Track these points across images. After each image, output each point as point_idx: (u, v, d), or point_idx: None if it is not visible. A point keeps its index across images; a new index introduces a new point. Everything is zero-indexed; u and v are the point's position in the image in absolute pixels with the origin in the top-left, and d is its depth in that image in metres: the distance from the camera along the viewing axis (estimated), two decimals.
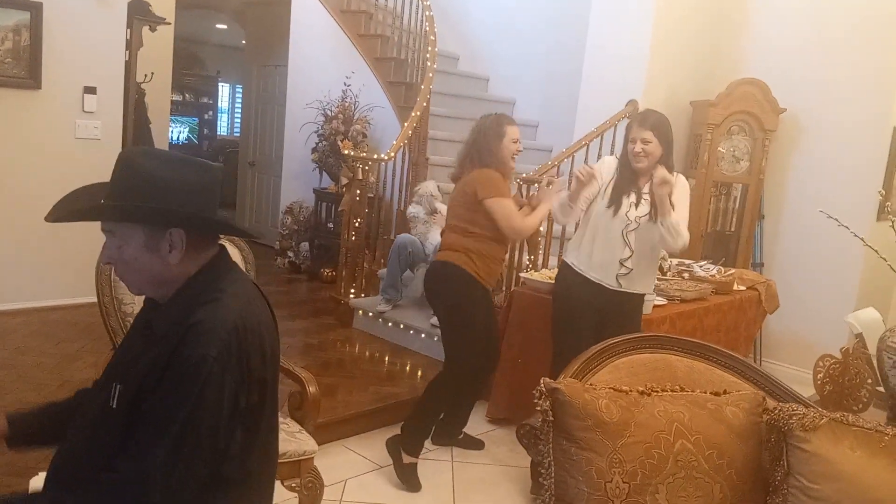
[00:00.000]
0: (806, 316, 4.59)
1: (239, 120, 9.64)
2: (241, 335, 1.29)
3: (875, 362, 2.08)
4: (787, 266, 4.81)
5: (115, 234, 1.33)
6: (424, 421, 3.10)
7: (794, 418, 1.68)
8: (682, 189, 2.93)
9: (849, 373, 1.99)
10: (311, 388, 2.43)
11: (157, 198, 1.28)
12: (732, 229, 5.05)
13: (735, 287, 3.92)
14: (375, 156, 4.85)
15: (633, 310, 3.02)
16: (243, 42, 9.02)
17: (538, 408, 1.72)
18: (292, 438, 2.32)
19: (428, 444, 3.28)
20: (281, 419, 2.38)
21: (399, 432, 3.10)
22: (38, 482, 1.73)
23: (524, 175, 4.11)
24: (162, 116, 6.28)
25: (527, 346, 3.50)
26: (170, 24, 5.66)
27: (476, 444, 3.42)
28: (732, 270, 4.16)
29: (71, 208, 1.36)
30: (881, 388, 2.03)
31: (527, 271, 3.94)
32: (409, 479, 2.99)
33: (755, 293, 4.03)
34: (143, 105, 5.70)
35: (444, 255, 3.05)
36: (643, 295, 3.05)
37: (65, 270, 4.35)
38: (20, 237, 4.26)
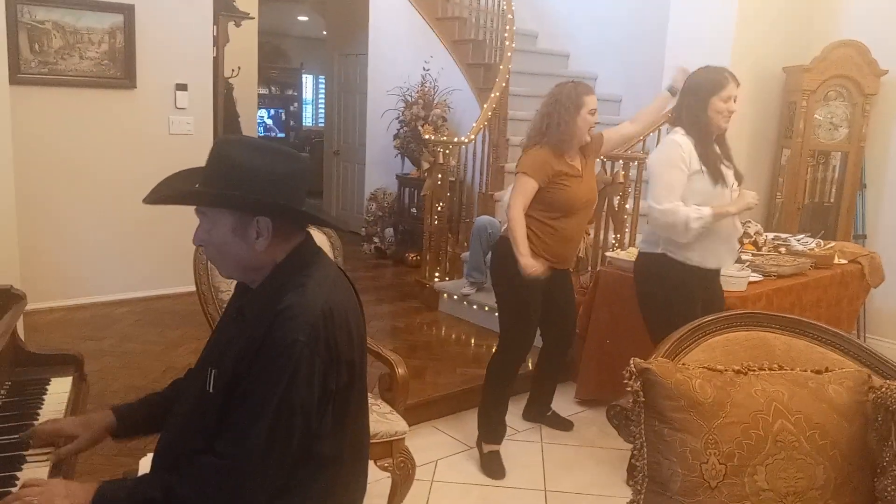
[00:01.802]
0: None
1: (323, 110, 9.85)
2: (327, 319, 1.33)
3: None
4: (892, 237, 4.53)
5: (207, 217, 1.39)
6: (489, 405, 3.08)
7: None
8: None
9: None
10: (400, 370, 2.48)
11: (247, 186, 1.33)
12: (832, 200, 4.79)
13: (836, 261, 3.73)
14: (456, 139, 4.86)
15: (719, 286, 2.95)
16: (324, 33, 9.19)
17: (628, 388, 1.69)
18: (383, 419, 2.37)
19: (519, 423, 3.29)
20: (372, 400, 2.45)
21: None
22: (146, 462, 1.84)
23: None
24: (250, 109, 6.49)
25: (614, 325, 3.44)
26: (253, 18, 5.83)
27: (565, 424, 3.40)
28: (833, 243, 3.96)
29: (166, 193, 1.43)
30: None
31: (613, 250, 3.87)
32: (489, 467, 3.00)
33: (857, 266, 3.82)
34: (231, 99, 5.90)
35: (504, 231, 3.03)
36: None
37: (166, 261, 4.57)
38: (123, 231, 4.51)
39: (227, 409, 1.33)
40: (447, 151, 4.72)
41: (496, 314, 4.26)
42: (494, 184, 5.07)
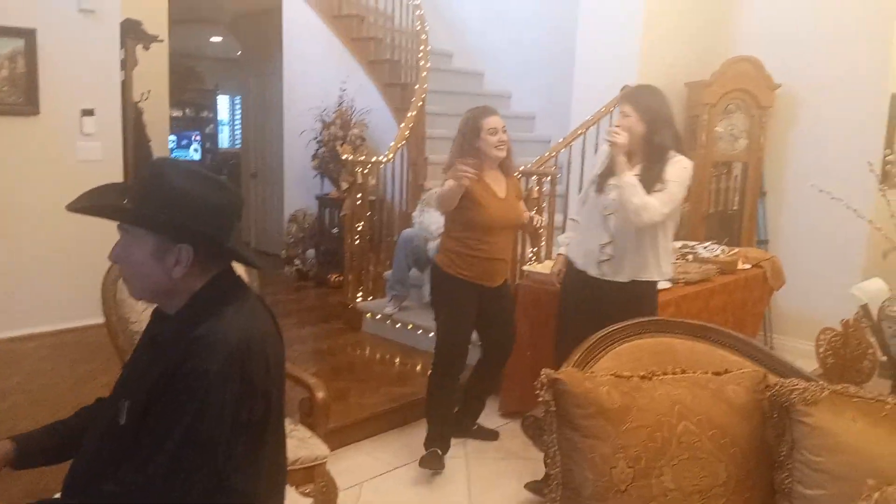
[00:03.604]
0: (813, 290, 4.57)
1: (240, 131, 9.70)
2: (243, 350, 1.31)
3: (878, 332, 2.10)
4: (791, 241, 4.79)
5: (129, 235, 1.36)
6: (429, 415, 3.18)
7: (795, 393, 1.69)
8: (677, 168, 2.71)
9: (850, 344, 2.00)
10: (320, 394, 2.46)
11: (177, 211, 1.31)
12: (735, 208, 5.04)
13: (739, 266, 3.92)
14: (374, 158, 4.88)
15: (630, 300, 2.74)
16: (239, 53, 9.07)
17: (540, 399, 1.74)
18: (303, 445, 2.34)
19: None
20: (292, 426, 2.42)
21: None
22: None
23: (522, 167, 4.12)
24: (162, 133, 6.32)
25: (535, 338, 3.51)
26: (163, 41, 5.70)
27: (490, 434, 3.44)
28: (737, 249, 4.15)
29: (92, 204, 1.39)
30: (884, 358, 2.04)
31: (530, 264, 3.95)
32: (429, 462, 3.07)
33: (760, 271, 4.02)
34: (141, 124, 5.74)
35: (437, 255, 3.19)
36: (646, 283, 2.83)
37: (74, 292, 4.38)
38: (28, 262, 4.30)
39: (139, 438, 1.30)
40: (366, 171, 4.73)
41: (419, 332, 4.32)
42: (414, 202, 5.11)
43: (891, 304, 2.11)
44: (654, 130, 2.69)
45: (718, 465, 1.68)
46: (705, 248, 4.02)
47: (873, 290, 2.58)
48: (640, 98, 2.74)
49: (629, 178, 2.65)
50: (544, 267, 3.66)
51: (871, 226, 2.63)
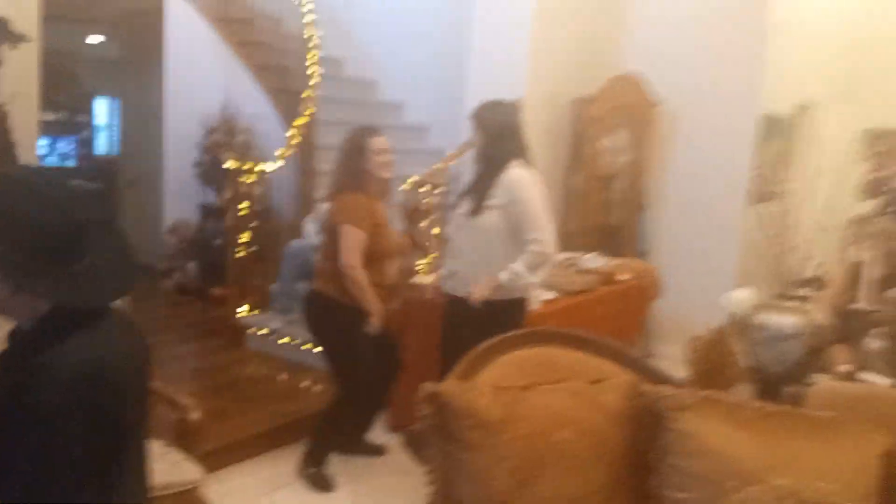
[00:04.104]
0: (690, 299, 4.78)
1: (119, 137, 9.21)
2: (89, 377, 1.20)
3: (743, 339, 2.21)
4: (670, 253, 5.01)
5: None
6: (324, 444, 3.10)
7: (666, 399, 1.74)
8: (515, 185, 2.74)
9: (718, 351, 2.10)
10: (194, 415, 2.34)
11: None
12: (618, 221, 5.22)
13: (620, 276, 4.05)
14: (261, 167, 4.73)
15: (486, 318, 2.72)
16: (119, 55, 8.63)
17: (420, 413, 1.71)
18: (175, 469, 2.22)
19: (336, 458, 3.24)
20: (163, 449, 2.29)
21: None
22: None
23: (414, 178, 4.12)
24: (30, 138, 5.90)
25: (422, 351, 3.48)
26: (31, 41, 5.32)
27: (377, 450, 3.38)
28: (618, 260, 4.30)
29: None
30: (749, 364, 2.15)
31: (418, 277, 3.94)
32: (319, 482, 3.02)
33: (639, 281, 4.18)
34: (5, 127, 5.33)
35: (315, 283, 3.05)
36: (510, 301, 2.81)
37: None
38: None
39: None
40: (252, 180, 4.58)
41: (304, 347, 4.20)
42: (304, 212, 4.99)
43: (755, 313, 2.22)
44: (491, 143, 2.83)
45: (594, 472, 1.71)
46: (589, 259, 4.13)
47: (741, 299, 2.72)
48: (480, 114, 2.87)
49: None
50: (434, 279, 3.66)
51: (746, 236, 2.76)
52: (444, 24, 5.95)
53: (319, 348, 3.21)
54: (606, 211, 5.23)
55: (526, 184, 2.75)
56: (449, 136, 5.59)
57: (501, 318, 2.73)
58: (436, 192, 4.21)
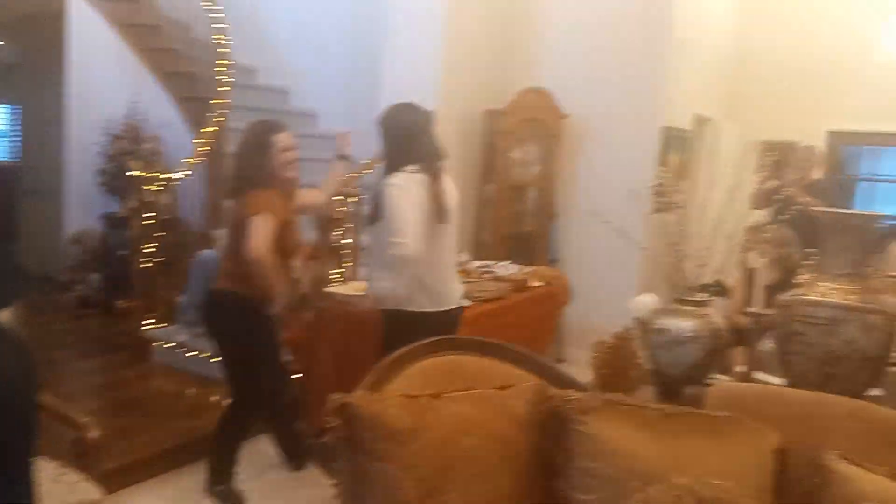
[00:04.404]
0: (598, 305, 4.92)
1: (17, 144, 8.73)
2: None
3: (645, 343, 2.30)
4: (580, 260, 5.15)
5: None
6: (224, 456, 3.00)
7: (571, 403, 1.79)
8: (391, 193, 2.70)
9: (621, 355, 2.18)
10: (92, 433, 2.23)
11: None
12: (530, 229, 5.33)
13: (532, 283, 4.14)
14: (168, 176, 4.59)
15: (386, 329, 2.80)
16: (18, 60, 8.18)
17: (328, 424, 1.69)
18: (71, 490, 2.11)
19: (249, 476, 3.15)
20: (59, 470, 2.18)
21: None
22: None
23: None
24: None
25: (339, 361, 3.45)
26: None
27: (295, 463, 3.32)
28: (531, 268, 4.39)
29: None
30: (651, 367, 2.24)
31: (335, 285, 3.90)
32: (228, 498, 2.93)
33: (550, 288, 4.28)
34: None
35: (217, 283, 2.91)
36: (392, 312, 2.79)
37: None
38: None
39: None
40: (158, 189, 4.43)
41: (213, 360, 4.08)
42: (213, 222, 4.86)
43: (657, 317, 2.31)
44: (388, 147, 2.83)
45: (502, 477, 1.73)
46: (502, 267, 4.20)
47: (645, 304, 2.82)
48: (381, 117, 2.87)
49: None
50: (348, 289, 3.64)
51: (640, 246, 2.88)
52: (358, 33, 5.94)
53: (217, 352, 3.04)
54: (519, 220, 5.34)
55: (395, 190, 2.67)
56: (364, 146, 5.58)
57: (395, 327, 2.72)
58: (349, 200, 4.19)
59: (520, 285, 3.99)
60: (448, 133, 4.81)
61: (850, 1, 5.73)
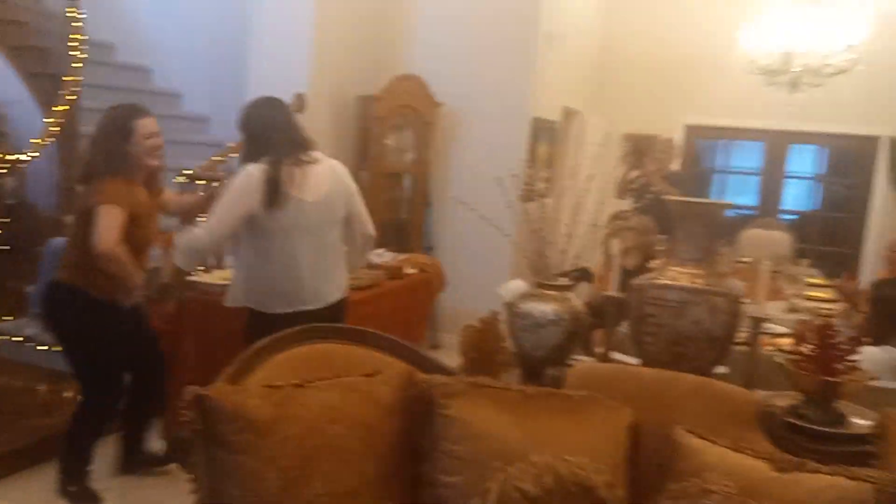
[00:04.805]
0: (471, 291, 5.00)
1: None
2: None
3: (511, 326, 2.36)
4: (454, 247, 5.23)
5: None
6: (77, 455, 2.87)
7: (437, 388, 1.81)
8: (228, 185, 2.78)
9: (487, 339, 2.22)
10: None
11: None
12: (405, 217, 5.34)
13: (407, 271, 4.15)
14: (14, 157, 4.24)
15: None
16: None
17: (183, 418, 1.62)
18: None
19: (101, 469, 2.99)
20: None
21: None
22: None
23: (190, 171, 3.91)
24: None
25: (203, 353, 3.32)
26: None
27: (163, 459, 3.16)
28: (405, 255, 4.40)
29: None
30: (515, 350, 2.31)
31: (197, 274, 3.74)
32: (83, 498, 2.81)
33: (425, 275, 4.31)
34: None
35: (58, 274, 2.77)
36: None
37: None
38: None
39: None
40: (3, 170, 4.09)
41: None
42: (66, 207, 4.54)
43: (521, 302, 2.38)
44: (247, 144, 2.79)
45: (367, 464, 1.73)
46: (377, 254, 4.17)
47: (514, 289, 2.90)
48: (241, 115, 2.83)
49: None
50: (213, 278, 3.50)
51: (507, 236, 2.97)
52: (224, 12, 5.72)
53: (61, 348, 2.90)
54: (394, 207, 5.33)
55: (235, 180, 2.69)
56: (230, 129, 5.36)
57: (255, 326, 2.69)
58: (213, 186, 4.02)
59: (394, 273, 3.99)
60: (320, 117, 4.74)
61: (709, 1, 6.13)
